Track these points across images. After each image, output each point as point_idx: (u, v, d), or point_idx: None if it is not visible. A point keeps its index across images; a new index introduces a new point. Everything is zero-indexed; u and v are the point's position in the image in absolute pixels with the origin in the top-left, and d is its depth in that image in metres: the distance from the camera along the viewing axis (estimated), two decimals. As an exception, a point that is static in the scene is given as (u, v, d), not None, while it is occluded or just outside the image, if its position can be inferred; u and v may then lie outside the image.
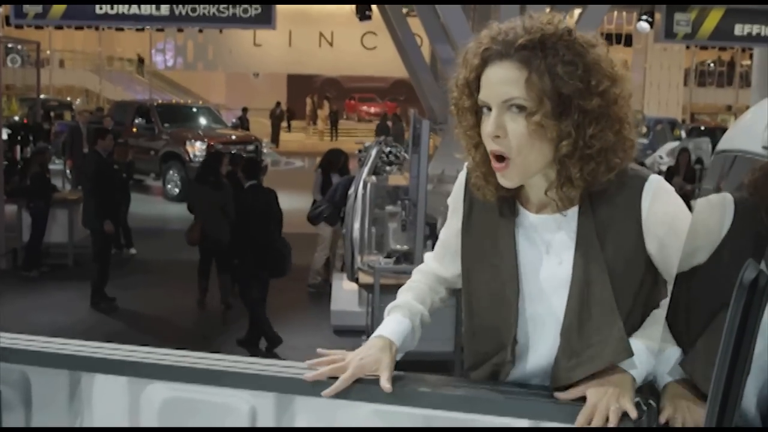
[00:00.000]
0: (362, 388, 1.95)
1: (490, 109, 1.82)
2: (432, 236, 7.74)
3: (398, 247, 8.10)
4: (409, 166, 9.30)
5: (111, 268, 10.02)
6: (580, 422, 1.76)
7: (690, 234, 1.74)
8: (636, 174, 1.89)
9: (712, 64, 38.74)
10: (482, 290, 2.00)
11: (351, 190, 9.23)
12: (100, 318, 9.40)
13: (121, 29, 36.20)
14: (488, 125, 1.82)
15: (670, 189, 1.91)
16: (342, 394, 1.94)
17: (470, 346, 2.09)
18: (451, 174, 11.20)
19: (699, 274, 1.65)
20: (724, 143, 1.62)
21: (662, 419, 1.74)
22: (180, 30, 36.03)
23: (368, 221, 8.83)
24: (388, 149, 11.40)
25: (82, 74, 38.68)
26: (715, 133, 23.34)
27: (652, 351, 1.86)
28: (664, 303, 1.95)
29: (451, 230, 2.13)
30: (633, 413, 1.75)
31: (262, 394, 2.03)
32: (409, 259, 7.66)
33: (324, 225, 10.46)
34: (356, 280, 8.12)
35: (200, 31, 35.85)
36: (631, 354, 1.83)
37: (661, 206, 1.87)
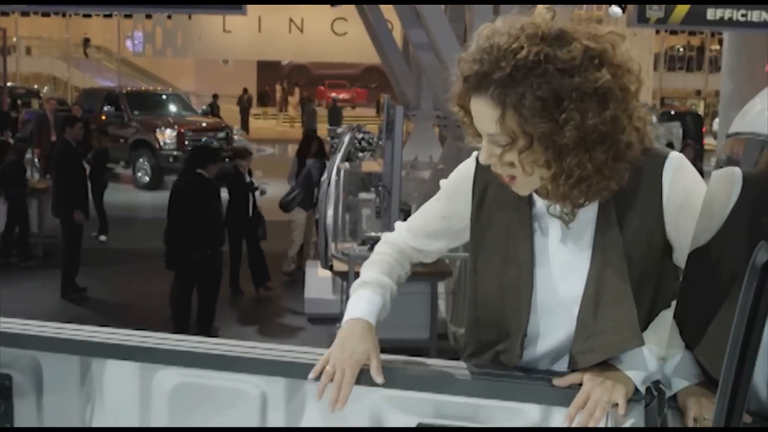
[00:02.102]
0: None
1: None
2: (407, 223, 7.69)
3: (372, 234, 8.05)
4: (381, 153, 9.24)
5: (81, 258, 9.90)
6: (570, 411, 1.79)
7: (700, 213, 1.70)
8: (655, 152, 1.84)
9: (681, 49, 38.96)
10: (491, 281, 1.96)
11: (324, 177, 9.17)
12: (70, 308, 9.29)
13: (89, 16, 35.89)
14: (482, 153, 1.81)
15: (691, 168, 1.86)
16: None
17: (473, 334, 2.06)
18: (424, 160, 11.18)
19: (702, 254, 1.61)
20: (735, 127, 1.58)
21: (690, 421, 1.71)
22: (148, 16, 35.77)
23: (342, 208, 8.78)
24: (361, 135, 11.34)
25: (49, 61, 38.26)
26: (686, 117, 23.45)
27: (654, 354, 1.83)
28: (673, 304, 1.90)
29: (438, 212, 2.10)
30: (623, 409, 1.76)
31: (272, 379, 2.03)
32: (383, 246, 7.61)
33: (298, 211, 10.40)
34: (330, 268, 8.06)
35: (169, 17, 35.61)
36: (642, 342, 1.81)
37: (681, 184, 1.82)
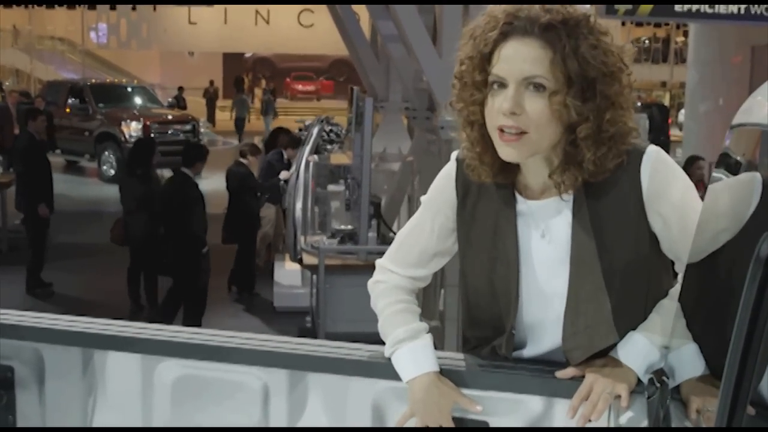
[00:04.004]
0: (376, 364, 1.98)
1: (501, 84, 1.77)
2: (377, 216, 7.66)
3: (342, 227, 8.02)
4: (350, 145, 9.20)
5: (46, 253, 9.78)
6: (573, 402, 1.81)
7: (715, 215, 1.69)
8: (633, 148, 1.84)
9: (647, 41, 39.19)
10: (481, 281, 1.96)
11: (292, 169, 9.12)
12: (36, 304, 9.17)
13: (52, 7, 35.47)
14: (505, 101, 1.74)
15: (669, 160, 1.87)
16: (357, 371, 1.98)
17: (468, 332, 2.07)
18: (393, 152, 11.13)
19: (719, 257, 1.60)
20: (740, 117, 1.58)
21: (692, 413, 1.72)
22: (113, 8, 35.41)
23: (311, 201, 8.73)
24: (329, 128, 11.29)
25: (11, 53, 37.71)
26: (651, 109, 23.57)
27: (655, 344, 1.84)
28: (674, 293, 1.91)
29: (428, 234, 2.05)
30: (625, 401, 1.78)
31: (274, 371, 2.05)
32: (353, 239, 7.58)
33: (266, 206, 10.33)
34: (300, 261, 8.02)
35: (134, 8, 35.28)
36: (616, 338, 1.83)
37: (661, 180, 1.83)
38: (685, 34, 26.16)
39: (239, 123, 28.74)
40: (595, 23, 1.77)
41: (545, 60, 1.72)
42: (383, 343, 2.02)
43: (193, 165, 8.05)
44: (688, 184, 1.85)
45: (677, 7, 9.40)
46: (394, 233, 8.75)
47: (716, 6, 9.36)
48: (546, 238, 1.88)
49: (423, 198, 2.08)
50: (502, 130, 1.76)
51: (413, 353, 1.94)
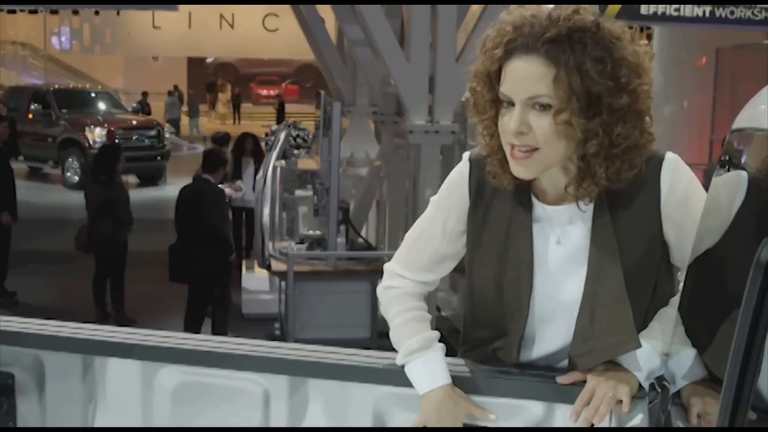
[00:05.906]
0: (376, 370, 2.00)
1: (511, 102, 1.76)
2: (345, 221, 7.62)
3: (311, 232, 7.97)
4: (317, 149, 9.15)
5: (10, 261, 9.64)
6: (576, 407, 1.81)
7: (703, 215, 1.70)
8: (651, 154, 1.84)
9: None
10: (488, 282, 1.95)
11: (260, 175, 9.06)
12: (-1, 313, 9.03)
13: (13, 11, 35.04)
14: (512, 122, 1.75)
15: (687, 168, 1.88)
16: (357, 376, 2.00)
17: (470, 332, 2.07)
18: (361, 156, 11.10)
19: (708, 257, 1.62)
20: (740, 122, 1.58)
21: (693, 417, 1.73)
22: (75, 12, 35.07)
23: (278, 206, 8.68)
24: (296, 133, 11.23)
25: (-29, 59, 37.30)
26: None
27: (656, 350, 1.84)
28: (674, 301, 1.91)
29: (440, 237, 2.04)
30: (627, 405, 1.78)
31: (275, 377, 2.07)
32: (322, 244, 7.53)
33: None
34: (268, 267, 7.96)
35: (97, 13, 34.95)
36: (638, 344, 1.82)
37: (679, 186, 1.84)
38: (648, 37, 26.36)
39: (172, 124, 28.61)
40: (604, 30, 1.74)
41: (548, 77, 1.70)
42: (371, 348, 2.02)
43: (215, 171, 7.96)
44: (702, 193, 1.85)
45: (643, 10, 9.49)
46: (363, 238, 8.75)
47: (681, 8, 9.46)
48: (562, 244, 1.88)
49: (432, 198, 2.07)
50: (513, 146, 1.76)
51: (427, 365, 1.94)
